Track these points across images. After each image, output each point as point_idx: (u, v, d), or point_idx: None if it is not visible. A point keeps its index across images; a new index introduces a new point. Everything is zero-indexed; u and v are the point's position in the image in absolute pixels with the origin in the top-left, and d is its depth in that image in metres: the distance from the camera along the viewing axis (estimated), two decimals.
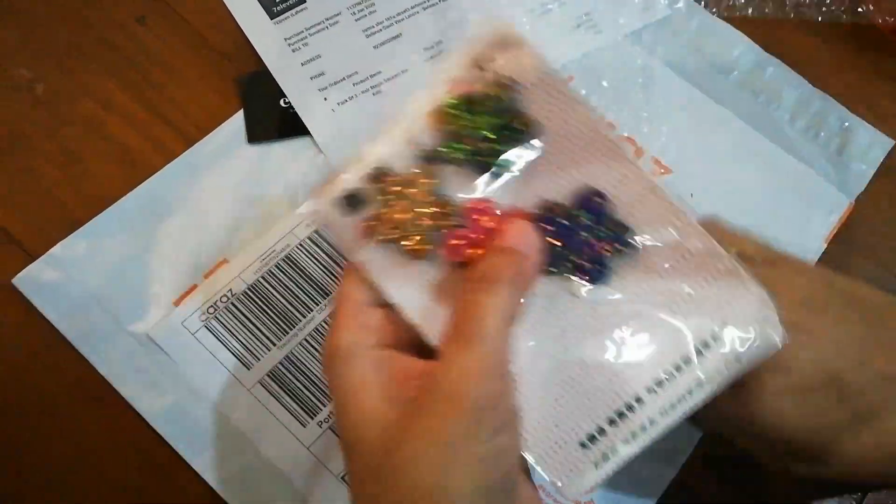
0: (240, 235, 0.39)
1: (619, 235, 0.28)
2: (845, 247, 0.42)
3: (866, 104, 0.45)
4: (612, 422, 0.27)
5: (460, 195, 0.28)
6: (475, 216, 0.27)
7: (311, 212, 0.27)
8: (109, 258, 0.39)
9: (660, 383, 0.27)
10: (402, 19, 0.45)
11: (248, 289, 0.38)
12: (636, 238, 0.28)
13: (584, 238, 0.28)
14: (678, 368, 0.27)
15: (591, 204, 0.28)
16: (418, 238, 0.27)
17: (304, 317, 0.38)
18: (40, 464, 0.36)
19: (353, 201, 0.28)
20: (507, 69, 0.28)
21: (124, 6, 0.44)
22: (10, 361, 0.37)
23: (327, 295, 0.38)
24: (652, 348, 0.27)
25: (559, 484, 0.26)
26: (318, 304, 0.38)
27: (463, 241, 0.27)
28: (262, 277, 0.38)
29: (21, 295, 0.37)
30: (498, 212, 0.28)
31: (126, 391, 0.36)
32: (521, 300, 0.26)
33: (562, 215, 0.28)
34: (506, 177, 0.28)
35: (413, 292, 0.27)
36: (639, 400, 0.27)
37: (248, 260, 0.39)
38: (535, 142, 0.28)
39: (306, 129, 0.42)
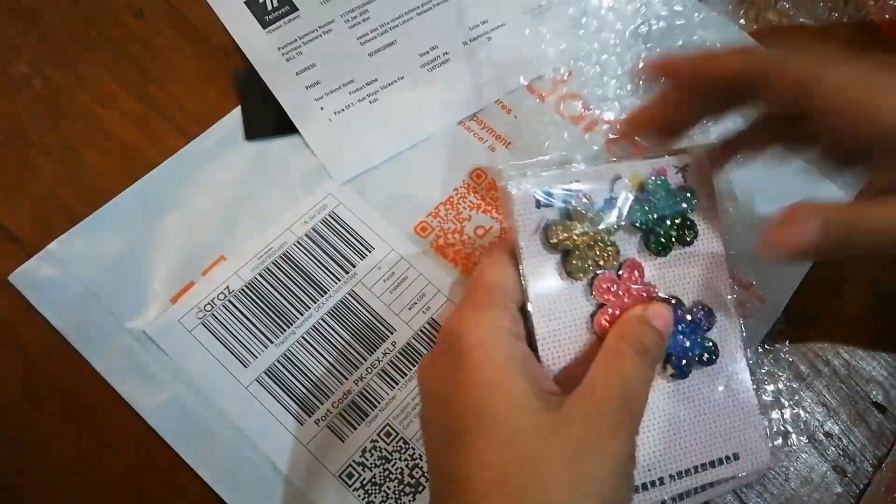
0: (237, 232, 0.40)
1: (711, 352, 0.33)
2: None
3: None
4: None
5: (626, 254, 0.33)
6: (627, 280, 0.32)
7: (511, 185, 0.31)
8: (106, 255, 0.38)
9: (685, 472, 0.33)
10: (397, 26, 0.45)
11: (246, 286, 0.38)
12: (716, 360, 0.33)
13: (682, 340, 0.33)
14: (698, 469, 0.33)
15: (700, 314, 0.33)
16: (582, 263, 0.31)
17: (302, 314, 0.38)
18: (37, 462, 0.35)
19: (546, 200, 0.31)
20: (694, 176, 0.34)
21: (122, 1, 0.44)
22: (5, 359, 0.37)
23: (325, 293, 0.39)
24: (692, 444, 0.33)
25: None
26: (315, 302, 0.38)
27: (607, 319, 0.31)
28: (260, 275, 0.39)
29: (17, 292, 0.37)
30: (643, 289, 0.32)
31: (123, 388, 0.36)
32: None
33: (679, 312, 0.33)
34: (659, 261, 0.33)
35: (549, 305, 0.31)
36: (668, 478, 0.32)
37: (246, 257, 0.39)
38: (691, 249, 0.34)
39: None
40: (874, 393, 0.41)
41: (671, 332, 0.31)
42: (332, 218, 0.40)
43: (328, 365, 0.37)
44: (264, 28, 0.44)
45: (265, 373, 0.37)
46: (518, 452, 0.24)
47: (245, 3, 0.45)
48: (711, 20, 0.47)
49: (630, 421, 0.27)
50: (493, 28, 0.45)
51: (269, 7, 0.45)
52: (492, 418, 0.25)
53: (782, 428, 0.39)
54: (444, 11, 0.46)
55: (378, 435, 0.36)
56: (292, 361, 0.37)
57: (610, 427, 0.26)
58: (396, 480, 0.36)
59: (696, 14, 0.47)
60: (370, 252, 0.40)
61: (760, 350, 0.40)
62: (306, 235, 0.40)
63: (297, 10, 0.45)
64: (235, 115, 0.42)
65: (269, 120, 0.42)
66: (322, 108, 0.43)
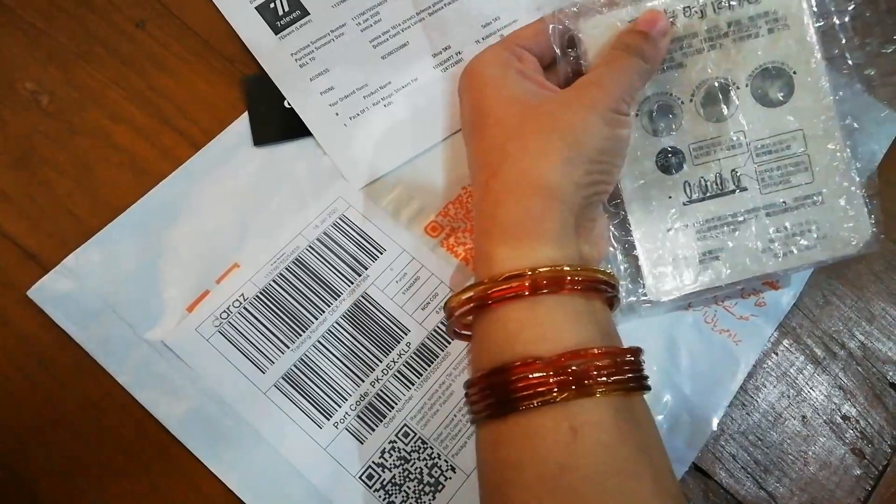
0: (250, 239, 0.38)
1: None
2: None
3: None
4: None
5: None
6: None
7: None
8: (122, 266, 0.37)
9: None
10: (409, 27, 0.43)
11: (260, 293, 0.37)
12: None
13: None
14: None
15: None
16: None
17: (317, 318, 0.37)
18: (63, 474, 0.35)
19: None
20: None
21: (123, 11, 0.42)
22: (27, 374, 0.36)
23: (338, 296, 0.37)
24: None
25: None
26: (329, 306, 0.37)
27: None
28: (274, 281, 0.37)
29: (37, 307, 0.36)
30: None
31: (144, 398, 0.35)
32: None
33: None
34: None
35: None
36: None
37: (259, 264, 0.38)
38: None
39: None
40: (891, 374, 0.39)
41: (667, 32, 0.33)
42: (342, 221, 0.39)
43: (345, 368, 0.36)
44: (276, 34, 0.43)
45: (283, 378, 0.36)
46: (502, 131, 0.31)
47: (256, 8, 0.43)
48: None
49: (614, 90, 0.31)
50: (506, 25, 0.43)
51: (281, 12, 0.43)
52: (485, 115, 0.32)
53: (800, 411, 0.38)
54: (457, 10, 0.43)
55: (396, 436, 0.35)
56: (309, 366, 0.36)
57: (592, 92, 0.31)
58: (416, 480, 0.35)
59: None
60: (382, 254, 0.38)
61: (776, 334, 0.39)
62: (318, 240, 0.38)
63: (309, 14, 0.43)
64: (242, 122, 0.41)
65: (277, 125, 0.41)
66: (337, 114, 0.41)
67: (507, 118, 0.31)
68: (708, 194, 0.35)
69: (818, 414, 0.38)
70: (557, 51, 0.35)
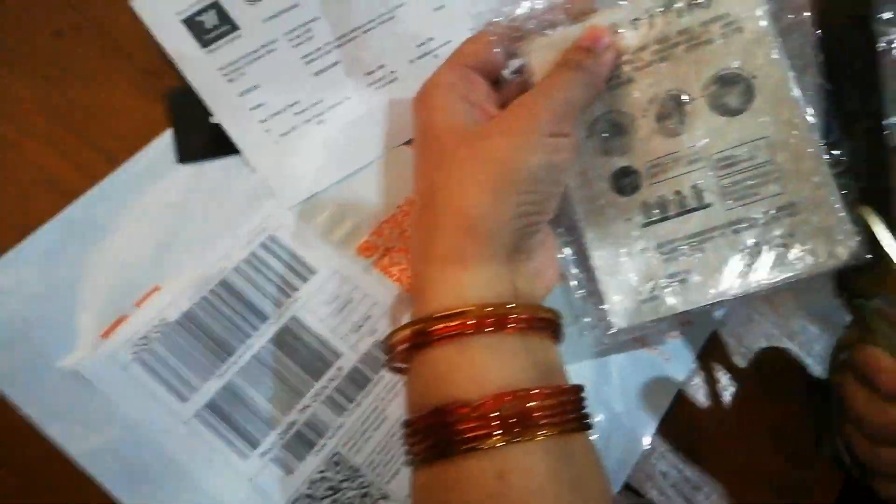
0: (172, 260, 0.36)
1: None
2: None
3: None
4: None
5: None
6: None
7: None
8: (33, 289, 0.35)
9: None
10: (342, 44, 0.42)
11: (183, 316, 0.35)
12: None
13: None
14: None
15: None
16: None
17: (243, 343, 0.35)
18: None
19: None
20: None
21: (40, 19, 0.40)
22: None
23: (266, 319, 0.36)
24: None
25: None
26: (256, 330, 0.36)
27: None
28: (197, 304, 0.36)
29: None
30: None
31: (54, 431, 0.33)
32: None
33: None
34: None
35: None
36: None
37: (182, 286, 0.36)
38: None
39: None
40: None
41: (610, 46, 0.32)
42: (272, 241, 0.37)
43: (272, 395, 0.35)
44: (204, 48, 0.41)
45: (206, 407, 0.34)
46: (439, 159, 0.30)
47: (183, 21, 0.41)
48: None
49: (550, 111, 0.29)
50: (440, 45, 0.43)
51: (209, 26, 0.42)
52: (428, 141, 0.31)
53: (728, 427, 0.39)
54: (390, 29, 0.43)
55: (326, 465, 0.34)
56: (234, 394, 0.34)
57: (525, 116, 0.29)
58: None
59: None
60: (313, 275, 0.37)
61: (704, 351, 0.40)
62: (245, 261, 0.37)
63: (239, 28, 0.42)
64: (167, 138, 0.39)
65: (204, 141, 0.39)
66: (268, 131, 0.40)
67: (446, 146, 0.30)
68: (668, 213, 0.33)
69: (747, 429, 0.39)
70: (505, 73, 0.34)
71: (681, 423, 0.38)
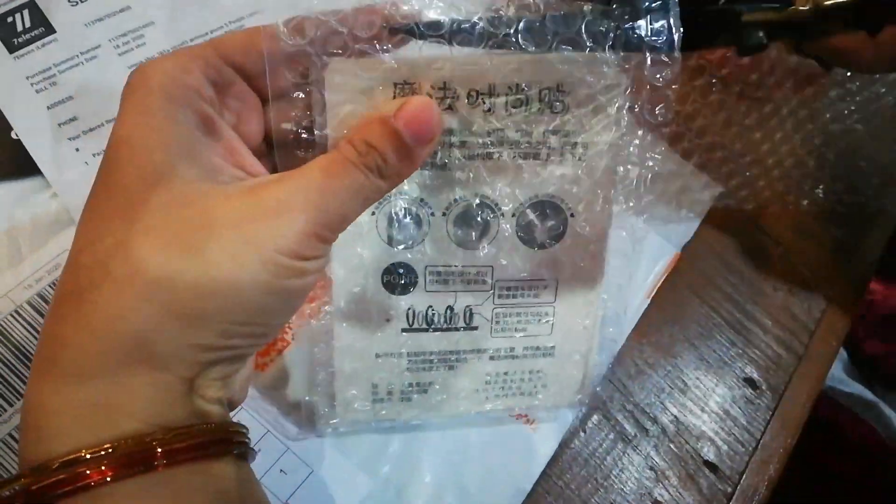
0: None
1: None
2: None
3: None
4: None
5: None
6: None
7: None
8: None
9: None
10: None
11: None
12: None
13: None
14: None
15: None
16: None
17: (12, 406, 0.28)
18: None
19: None
20: None
21: None
22: None
23: None
24: None
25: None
26: None
27: None
28: None
29: None
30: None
31: None
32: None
33: None
34: None
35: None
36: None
37: None
38: None
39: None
40: (704, 450, 0.35)
41: (433, 140, 0.22)
42: None
43: None
44: (11, 53, 0.35)
45: None
46: (122, 207, 0.19)
47: None
48: None
49: (307, 224, 0.19)
50: None
51: (20, 28, 0.36)
52: (112, 169, 0.20)
53: (609, 498, 0.33)
54: None
55: None
56: None
57: (267, 225, 0.19)
58: None
59: None
60: None
61: (583, 410, 0.34)
62: (29, 303, 0.30)
63: (55, 31, 0.36)
64: None
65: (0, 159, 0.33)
66: (77, 150, 0.34)
67: (136, 199, 0.19)
68: (433, 326, 0.29)
69: (628, 501, 0.34)
70: (291, 80, 0.23)
71: (554, 494, 0.33)
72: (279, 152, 0.24)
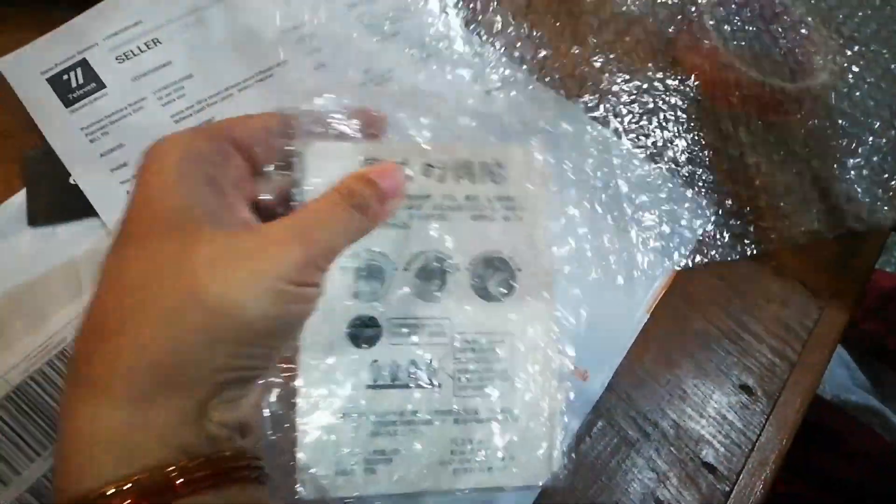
0: (7, 331, 0.33)
1: None
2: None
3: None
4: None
5: None
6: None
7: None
8: None
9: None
10: (216, 102, 0.40)
11: (14, 391, 0.32)
12: None
13: None
14: None
15: None
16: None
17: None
18: None
19: None
20: None
21: None
22: None
23: None
24: None
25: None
26: None
27: None
28: (31, 378, 0.32)
29: None
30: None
31: None
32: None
33: None
34: None
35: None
36: None
37: (15, 359, 0.32)
38: None
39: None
40: (703, 453, 0.38)
41: (401, 193, 0.26)
42: None
43: None
44: (67, 107, 0.39)
45: (28, 491, 0.30)
46: (146, 251, 0.22)
47: (48, 80, 0.40)
48: None
49: (304, 253, 0.23)
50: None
51: (74, 84, 0.40)
52: (130, 233, 0.23)
53: (613, 498, 0.36)
54: (266, 88, 0.41)
55: None
56: None
57: (269, 255, 0.22)
58: None
59: None
60: None
61: (590, 416, 0.37)
62: None
63: (105, 87, 0.40)
64: (18, 199, 0.36)
65: (59, 203, 0.37)
66: (128, 192, 0.37)
67: (160, 244, 0.22)
68: (397, 382, 0.29)
69: (632, 500, 0.36)
70: (269, 168, 0.27)
71: (562, 495, 0.35)
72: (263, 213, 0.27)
